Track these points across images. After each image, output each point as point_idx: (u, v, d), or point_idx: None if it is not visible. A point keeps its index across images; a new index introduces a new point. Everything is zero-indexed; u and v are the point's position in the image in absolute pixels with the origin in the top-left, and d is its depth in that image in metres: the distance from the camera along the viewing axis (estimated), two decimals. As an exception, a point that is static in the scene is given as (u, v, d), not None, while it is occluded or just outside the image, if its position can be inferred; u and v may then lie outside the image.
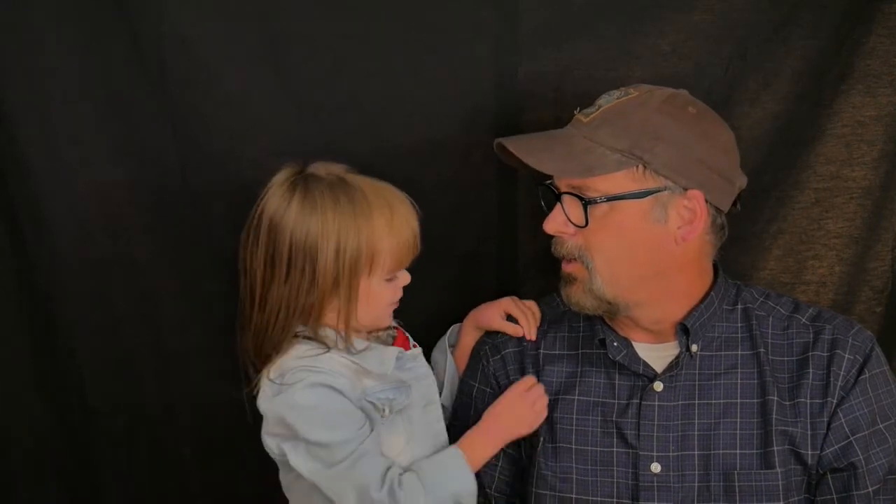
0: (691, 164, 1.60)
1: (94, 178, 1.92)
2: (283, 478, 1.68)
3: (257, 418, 1.83)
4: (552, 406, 1.70)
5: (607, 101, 1.64)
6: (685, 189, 1.60)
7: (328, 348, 1.59)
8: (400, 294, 1.65)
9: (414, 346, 1.72)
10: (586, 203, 1.60)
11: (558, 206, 1.65)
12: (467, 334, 1.82)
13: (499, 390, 1.75)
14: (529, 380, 1.71)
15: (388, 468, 1.56)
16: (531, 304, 1.81)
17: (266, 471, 2.04)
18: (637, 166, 1.59)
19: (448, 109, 1.91)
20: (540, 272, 1.96)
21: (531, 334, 1.77)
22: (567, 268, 1.67)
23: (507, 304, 1.80)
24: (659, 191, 1.60)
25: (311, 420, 1.55)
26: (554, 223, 1.65)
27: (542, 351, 1.77)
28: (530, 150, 1.64)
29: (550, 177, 1.67)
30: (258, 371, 1.63)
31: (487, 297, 1.83)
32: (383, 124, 1.91)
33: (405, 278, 1.65)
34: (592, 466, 1.67)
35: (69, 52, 1.87)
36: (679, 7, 1.88)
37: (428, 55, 1.88)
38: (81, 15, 1.86)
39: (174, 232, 1.96)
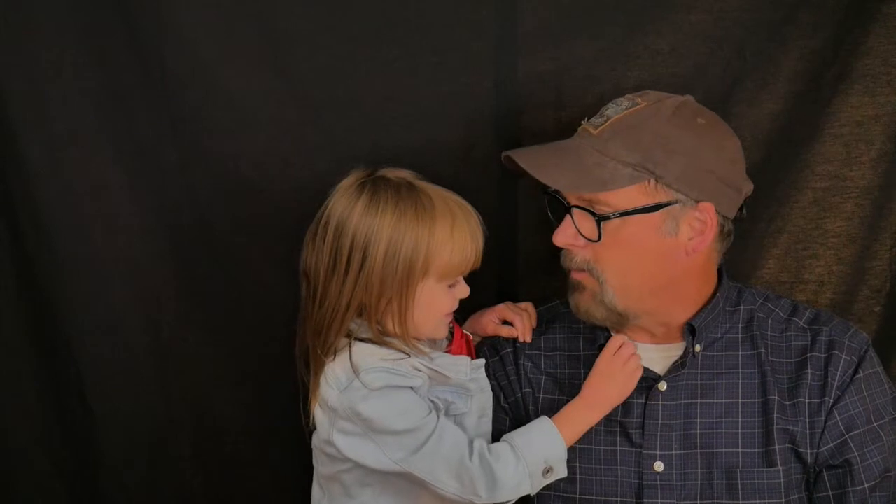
0: (702, 175, 1.59)
1: (94, 178, 1.92)
2: (328, 468, 1.66)
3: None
4: (554, 406, 1.69)
5: (615, 111, 1.62)
6: (696, 201, 1.59)
7: (408, 355, 1.60)
8: (456, 305, 1.66)
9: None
10: (599, 219, 1.59)
11: (568, 218, 1.63)
12: None
13: (500, 391, 1.76)
14: (618, 339, 1.67)
15: (472, 440, 1.59)
16: (527, 305, 1.80)
17: (265, 472, 2.05)
18: (649, 180, 1.58)
19: (448, 109, 1.90)
20: (540, 272, 1.96)
21: (526, 336, 1.76)
22: (577, 276, 1.65)
23: (502, 309, 1.80)
24: (671, 204, 1.59)
25: (388, 413, 1.56)
26: (564, 236, 1.63)
27: (541, 352, 1.77)
28: (540, 164, 1.62)
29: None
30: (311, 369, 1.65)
31: (487, 298, 1.83)
32: (383, 124, 1.91)
33: (464, 290, 1.65)
34: (596, 465, 1.68)
35: (69, 52, 1.87)
36: (678, 7, 1.88)
37: (428, 55, 1.88)
38: (81, 15, 1.86)
39: (174, 232, 1.96)
